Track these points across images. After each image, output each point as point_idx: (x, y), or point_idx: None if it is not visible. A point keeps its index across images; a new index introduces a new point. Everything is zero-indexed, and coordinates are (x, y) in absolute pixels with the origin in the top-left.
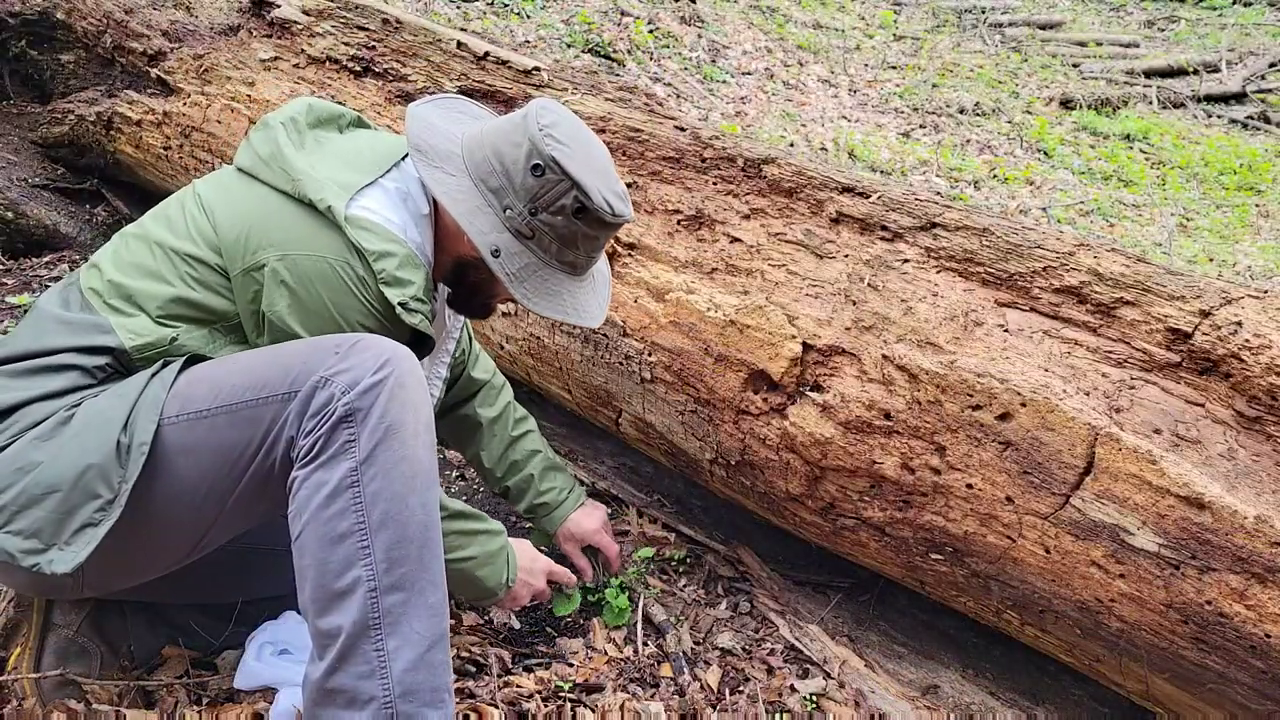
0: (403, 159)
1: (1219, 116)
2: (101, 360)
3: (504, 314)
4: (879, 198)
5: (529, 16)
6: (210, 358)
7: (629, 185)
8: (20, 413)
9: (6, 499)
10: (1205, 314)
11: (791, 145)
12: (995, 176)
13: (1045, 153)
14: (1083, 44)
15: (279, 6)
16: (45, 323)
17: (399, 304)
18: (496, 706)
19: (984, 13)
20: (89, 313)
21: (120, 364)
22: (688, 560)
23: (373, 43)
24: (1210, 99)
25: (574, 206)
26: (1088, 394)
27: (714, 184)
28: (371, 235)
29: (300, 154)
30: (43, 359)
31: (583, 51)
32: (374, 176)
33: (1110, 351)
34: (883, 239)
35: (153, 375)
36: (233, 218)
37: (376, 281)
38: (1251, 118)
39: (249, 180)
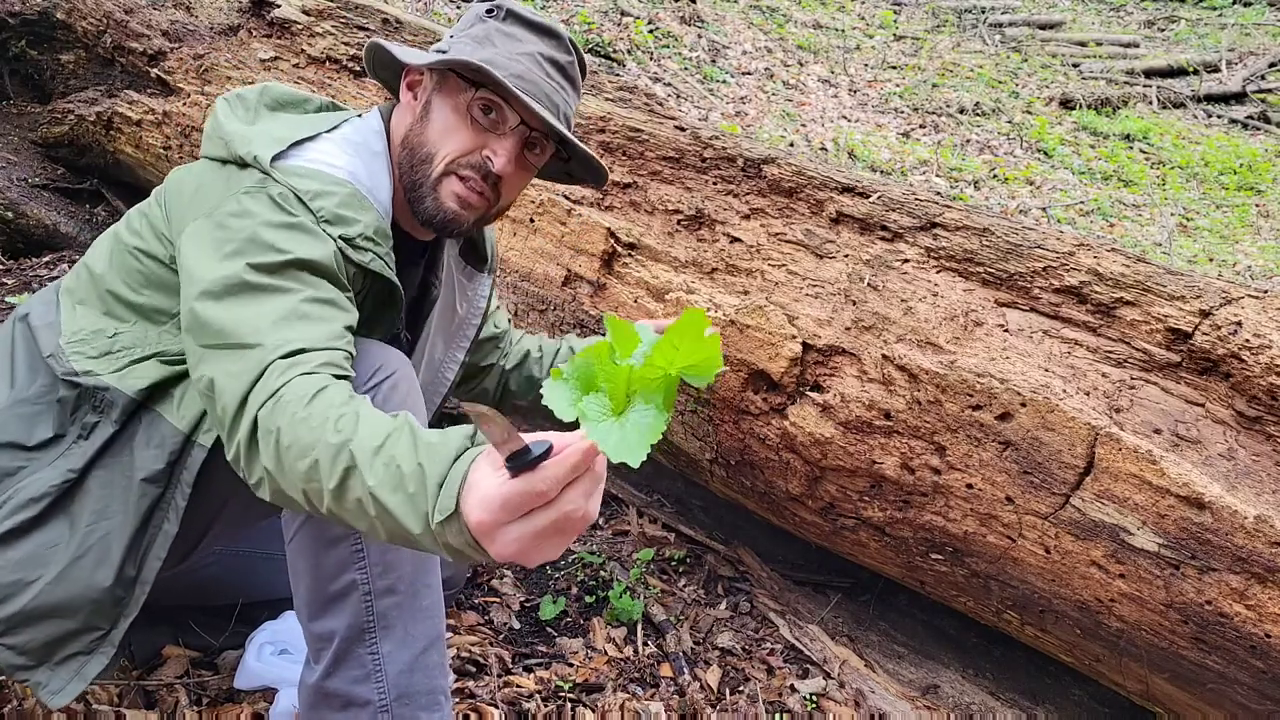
0: (362, 115)
1: (1219, 116)
2: (76, 394)
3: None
4: (879, 198)
5: None
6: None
7: (629, 185)
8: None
9: (8, 612)
10: (1205, 314)
11: (791, 145)
12: (995, 176)
13: (1045, 153)
14: (1083, 44)
15: (279, 6)
16: (36, 361)
17: (341, 239)
18: (496, 706)
19: (984, 13)
20: (55, 334)
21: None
22: (688, 560)
23: None
24: (1210, 99)
25: (486, 8)
26: (1088, 394)
27: (714, 184)
28: (305, 179)
29: (238, 122)
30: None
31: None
32: (320, 130)
33: (1110, 351)
34: (883, 239)
35: (171, 473)
36: (174, 198)
37: (317, 220)
38: (1251, 118)
39: (199, 162)
